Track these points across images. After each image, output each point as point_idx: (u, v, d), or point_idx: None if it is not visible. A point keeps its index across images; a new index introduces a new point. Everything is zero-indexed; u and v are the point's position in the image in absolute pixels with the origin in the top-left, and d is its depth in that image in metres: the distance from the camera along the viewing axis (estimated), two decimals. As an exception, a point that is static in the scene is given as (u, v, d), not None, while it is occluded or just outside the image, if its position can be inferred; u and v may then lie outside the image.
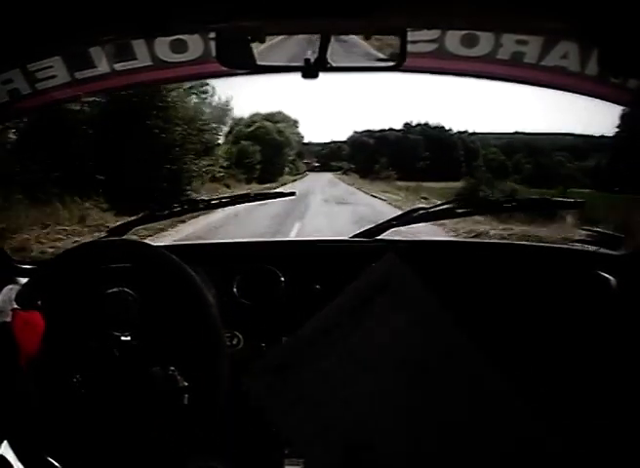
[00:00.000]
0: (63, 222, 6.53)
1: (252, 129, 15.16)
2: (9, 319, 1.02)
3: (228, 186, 10.62)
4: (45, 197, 6.68)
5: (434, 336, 1.04)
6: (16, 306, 1.03)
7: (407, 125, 19.60)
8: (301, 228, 6.83)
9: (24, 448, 1.09)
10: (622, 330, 1.19)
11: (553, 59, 1.37)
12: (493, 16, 0.84)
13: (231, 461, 1.16)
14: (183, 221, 6.33)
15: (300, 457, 1.17)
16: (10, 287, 1.11)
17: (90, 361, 1.02)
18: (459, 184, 13.11)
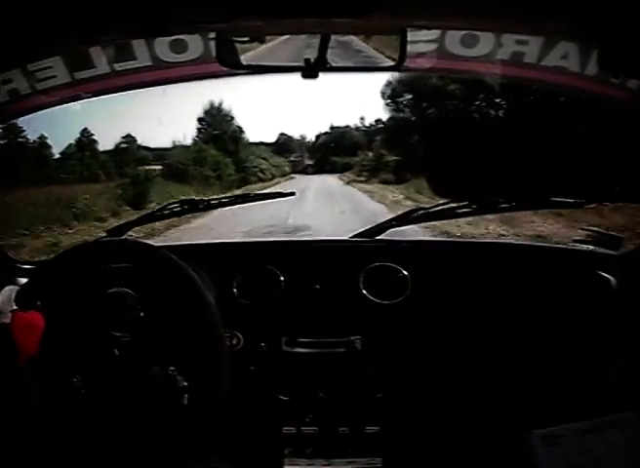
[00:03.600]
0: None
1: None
2: (8, 321, 1.01)
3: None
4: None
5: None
6: (15, 307, 1.03)
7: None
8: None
9: (25, 449, 1.09)
10: (622, 329, 1.19)
11: (553, 59, 1.37)
12: (493, 16, 0.84)
13: (231, 461, 1.16)
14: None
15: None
16: (9, 287, 1.11)
17: (90, 361, 1.02)
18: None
